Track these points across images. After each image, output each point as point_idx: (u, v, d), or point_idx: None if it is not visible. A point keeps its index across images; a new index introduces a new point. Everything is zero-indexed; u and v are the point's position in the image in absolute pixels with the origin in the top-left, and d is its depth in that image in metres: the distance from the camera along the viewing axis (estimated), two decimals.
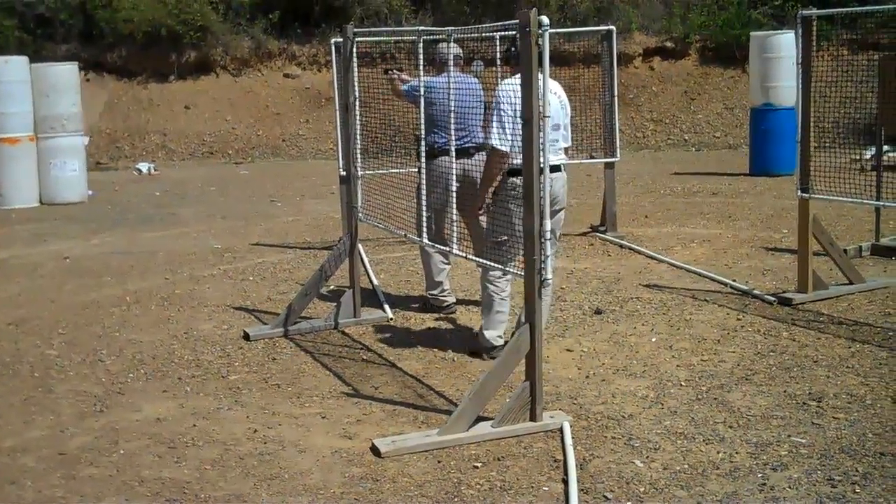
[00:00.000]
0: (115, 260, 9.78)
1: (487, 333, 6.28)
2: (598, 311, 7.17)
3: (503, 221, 5.85)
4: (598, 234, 10.12)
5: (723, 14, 22.50)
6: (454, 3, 23.05)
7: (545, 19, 4.77)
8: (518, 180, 5.66)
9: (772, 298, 7.28)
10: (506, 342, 6.06)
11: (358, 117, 7.01)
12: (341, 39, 9.45)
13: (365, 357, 6.39)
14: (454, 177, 5.94)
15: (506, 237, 5.81)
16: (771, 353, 6.09)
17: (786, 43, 14.26)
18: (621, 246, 9.56)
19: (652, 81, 22.06)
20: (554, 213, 5.94)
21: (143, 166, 17.98)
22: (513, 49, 5.99)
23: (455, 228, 5.95)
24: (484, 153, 6.53)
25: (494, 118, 5.85)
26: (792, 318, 6.85)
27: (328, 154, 20.48)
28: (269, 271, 9.05)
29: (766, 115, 14.55)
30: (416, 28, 6.45)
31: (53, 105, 13.87)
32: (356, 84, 6.95)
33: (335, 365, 6.21)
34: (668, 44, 22.68)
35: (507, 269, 5.46)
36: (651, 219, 11.16)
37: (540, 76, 4.81)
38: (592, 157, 10.47)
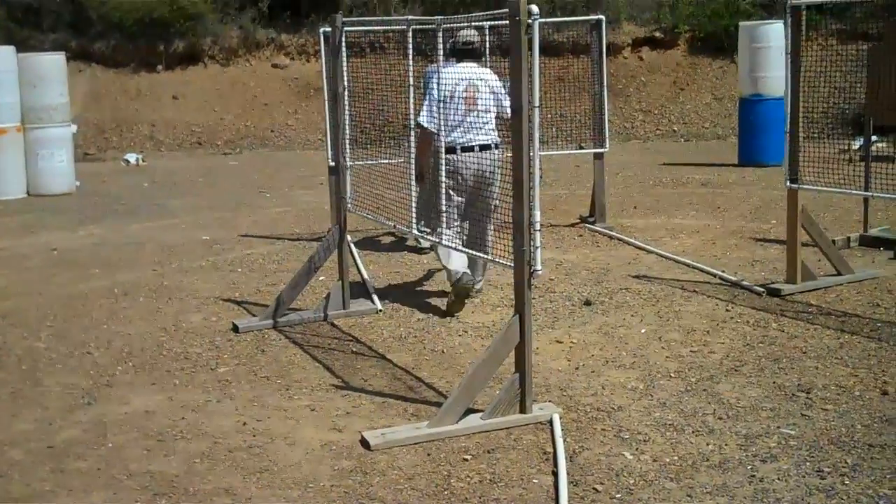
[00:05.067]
0: (103, 251, 9.75)
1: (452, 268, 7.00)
2: (587, 303, 7.17)
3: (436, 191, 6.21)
4: (587, 224, 10.11)
5: (711, 4, 22.51)
6: None
7: (535, 8, 4.74)
8: (448, 156, 6.41)
9: (761, 289, 7.28)
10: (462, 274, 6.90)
11: (347, 108, 6.98)
12: (330, 29, 9.44)
13: (354, 349, 6.38)
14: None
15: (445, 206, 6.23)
16: (760, 345, 6.10)
17: (774, 33, 14.25)
18: (610, 237, 9.55)
19: (641, 71, 22.05)
20: (487, 188, 6.95)
21: (131, 157, 17.90)
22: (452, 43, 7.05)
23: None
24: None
25: (425, 99, 6.86)
26: (781, 309, 6.85)
27: (317, 144, 20.43)
28: (258, 263, 9.03)
29: (754, 105, 14.56)
30: (406, 17, 6.44)
31: (41, 95, 13.78)
32: (345, 74, 6.92)
33: (325, 357, 6.19)
34: (657, 34, 22.68)
35: (497, 260, 5.44)
36: (640, 209, 11.16)
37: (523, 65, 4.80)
38: (582, 148, 10.46)
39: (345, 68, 6.91)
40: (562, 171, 14.03)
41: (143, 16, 21.05)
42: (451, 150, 6.69)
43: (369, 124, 7.56)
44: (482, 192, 7.01)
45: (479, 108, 7.00)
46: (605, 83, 9.92)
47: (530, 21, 4.75)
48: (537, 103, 4.85)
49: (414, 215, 6.51)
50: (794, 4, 7.02)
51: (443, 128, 6.21)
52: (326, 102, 9.66)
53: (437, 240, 6.37)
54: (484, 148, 6.97)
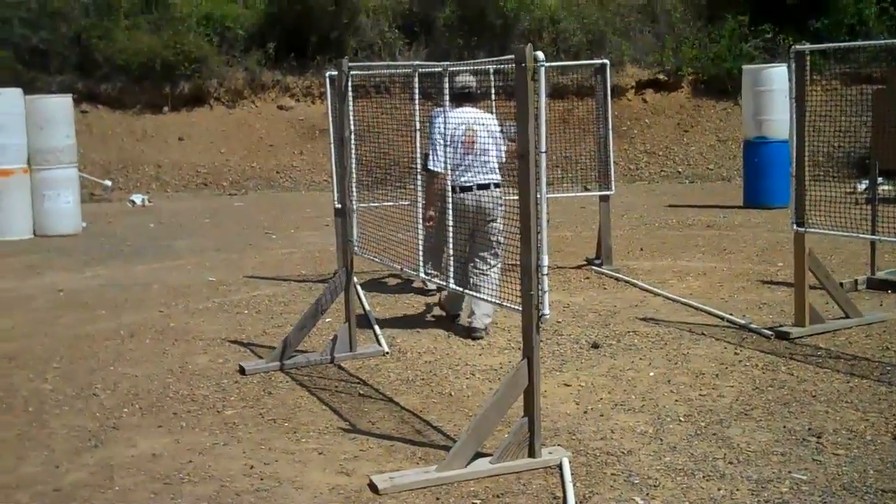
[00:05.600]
0: (109, 292, 9.75)
1: (449, 306, 7.99)
2: (595, 345, 7.15)
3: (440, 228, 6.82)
4: (593, 266, 10.10)
5: (714, 47, 22.66)
6: (448, 35, 23.17)
7: (540, 54, 4.77)
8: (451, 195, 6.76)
9: (769, 332, 7.26)
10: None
11: (353, 150, 7.01)
12: (336, 72, 9.48)
13: (362, 392, 6.35)
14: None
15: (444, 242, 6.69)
16: (769, 388, 6.07)
17: (778, 76, 14.30)
18: (617, 279, 9.54)
19: (645, 114, 22.15)
20: (487, 223, 7.34)
21: (137, 198, 17.96)
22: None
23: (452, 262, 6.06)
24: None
25: (431, 144, 7.32)
26: (790, 353, 6.83)
27: (322, 186, 20.49)
28: (265, 304, 9.02)
29: (759, 147, 14.55)
30: (412, 63, 6.49)
31: (48, 137, 13.86)
32: (351, 118, 6.95)
33: (332, 399, 6.17)
34: (661, 76, 22.83)
35: (504, 303, 5.42)
36: (646, 251, 11.16)
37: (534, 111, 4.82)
38: (587, 190, 10.46)
39: (351, 112, 6.94)
40: (567, 212, 14.05)
41: (148, 59, 21.20)
42: (451, 189, 7.01)
43: (375, 166, 7.62)
44: (482, 229, 7.37)
45: (477, 150, 7.18)
46: (610, 126, 9.94)
47: (536, 66, 4.78)
48: (544, 148, 4.86)
49: (421, 258, 6.54)
50: (799, 49, 7.06)
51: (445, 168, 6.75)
52: (332, 144, 9.70)
53: (444, 283, 6.42)
54: (482, 187, 7.33)
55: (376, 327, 7.81)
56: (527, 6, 22.94)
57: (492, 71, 7.94)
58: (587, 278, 9.72)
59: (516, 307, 5.06)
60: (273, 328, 8.08)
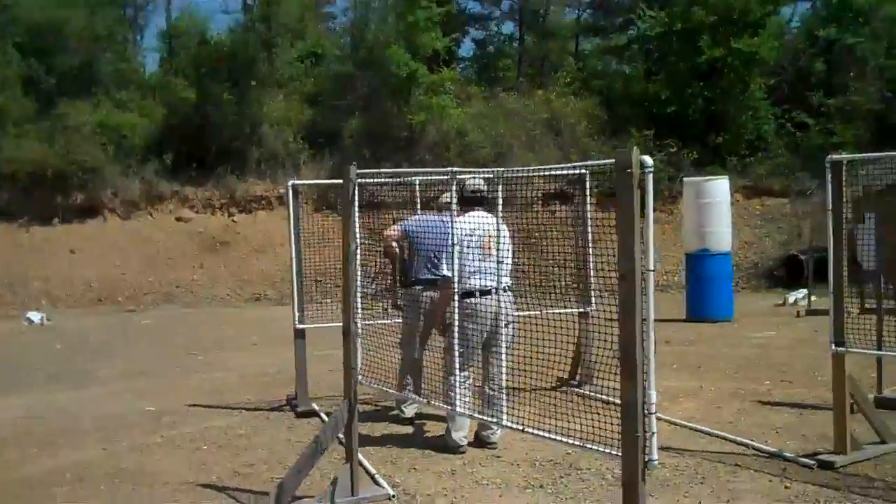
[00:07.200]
0: (36, 427, 8.60)
1: (455, 435, 7.19)
2: None
3: (458, 336, 6.35)
4: (571, 388, 9.37)
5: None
6: (354, 146, 22.68)
7: (648, 160, 4.21)
8: (468, 300, 6.89)
9: (811, 462, 6.65)
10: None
11: (359, 265, 6.26)
12: (297, 182, 8.81)
13: None
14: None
15: (462, 349, 6.56)
16: None
17: (719, 188, 14.08)
18: (606, 402, 8.83)
19: (554, 225, 21.94)
20: (504, 328, 6.37)
21: (35, 316, 16.61)
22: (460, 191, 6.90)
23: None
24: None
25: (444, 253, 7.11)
26: (845, 485, 6.20)
27: (224, 301, 19.58)
28: (223, 438, 8.02)
29: (702, 260, 14.18)
30: (450, 168, 5.83)
31: None
32: (357, 230, 6.20)
33: None
34: (567, 188, 22.74)
35: (593, 446, 4.71)
36: (615, 369, 10.53)
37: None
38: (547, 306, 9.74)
39: (356, 224, 6.21)
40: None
41: (38, 168, 20.10)
42: (469, 294, 6.94)
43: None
44: (496, 335, 6.72)
45: (494, 254, 6.70)
46: (590, 238, 9.37)
47: (643, 173, 4.20)
48: (652, 266, 4.25)
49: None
50: (835, 160, 6.69)
51: (460, 275, 6.49)
52: (293, 258, 8.93)
53: (449, 406, 6.38)
54: (503, 290, 6.74)
55: (369, 466, 6.94)
56: (433, 119, 22.69)
57: (574, 177, 7.53)
58: (571, 402, 8.98)
59: (613, 451, 4.35)
60: (244, 467, 7.11)
